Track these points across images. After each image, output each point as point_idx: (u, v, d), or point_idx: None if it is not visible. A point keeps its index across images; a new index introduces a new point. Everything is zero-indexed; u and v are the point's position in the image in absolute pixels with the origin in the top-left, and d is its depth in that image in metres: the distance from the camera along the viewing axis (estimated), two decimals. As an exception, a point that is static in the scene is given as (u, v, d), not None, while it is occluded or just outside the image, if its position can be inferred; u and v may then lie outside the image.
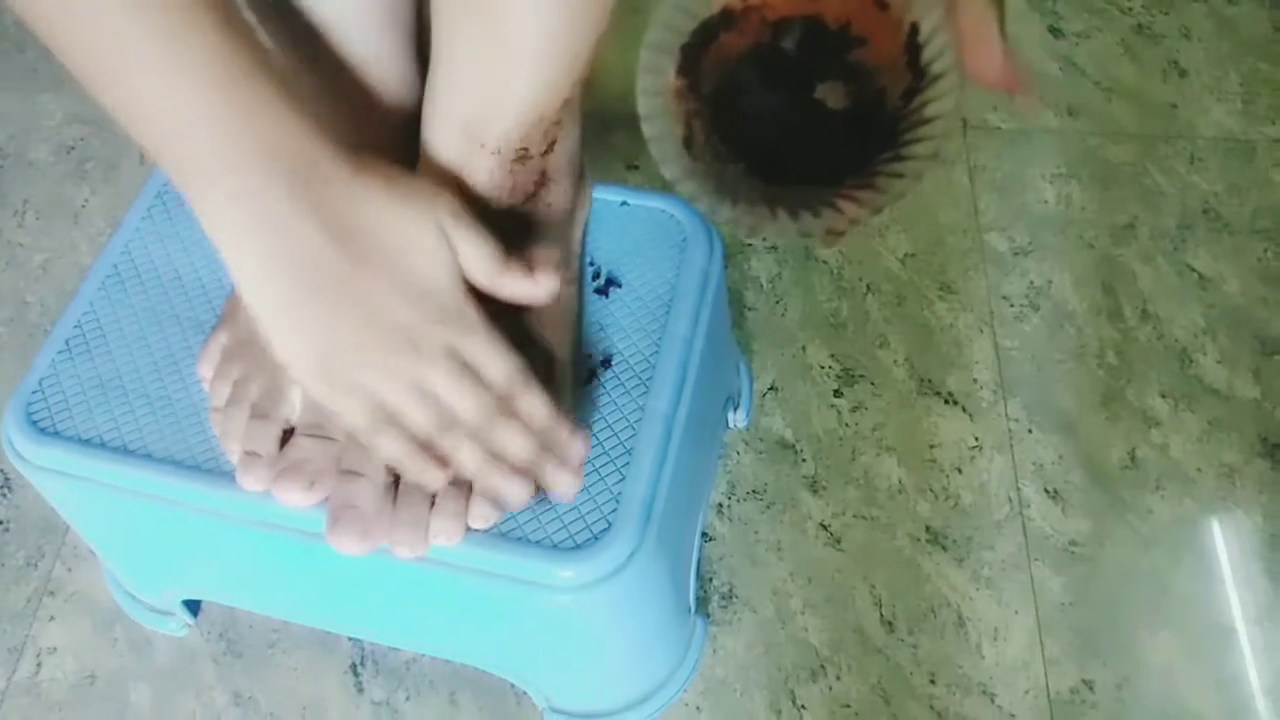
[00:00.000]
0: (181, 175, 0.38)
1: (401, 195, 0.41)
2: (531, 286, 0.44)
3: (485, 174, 0.47)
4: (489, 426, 0.43)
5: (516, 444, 0.43)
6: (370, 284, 0.40)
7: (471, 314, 0.43)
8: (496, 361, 0.43)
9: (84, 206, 0.86)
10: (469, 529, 0.46)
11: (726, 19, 0.37)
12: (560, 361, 0.49)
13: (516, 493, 0.44)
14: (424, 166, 0.48)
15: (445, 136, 0.47)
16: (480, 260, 0.43)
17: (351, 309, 0.40)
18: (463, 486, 0.46)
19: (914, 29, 0.35)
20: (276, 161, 0.37)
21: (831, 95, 0.38)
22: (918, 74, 0.36)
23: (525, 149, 0.46)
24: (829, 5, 0.37)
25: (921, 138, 0.35)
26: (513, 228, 0.48)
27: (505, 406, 0.43)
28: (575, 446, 0.45)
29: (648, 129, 0.37)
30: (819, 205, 0.36)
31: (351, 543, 0.45)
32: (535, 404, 0.44)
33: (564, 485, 0.45)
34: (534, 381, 0.44)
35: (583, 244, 0.55)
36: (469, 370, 0.43)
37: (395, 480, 0.46)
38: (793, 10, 0.37)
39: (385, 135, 0.50)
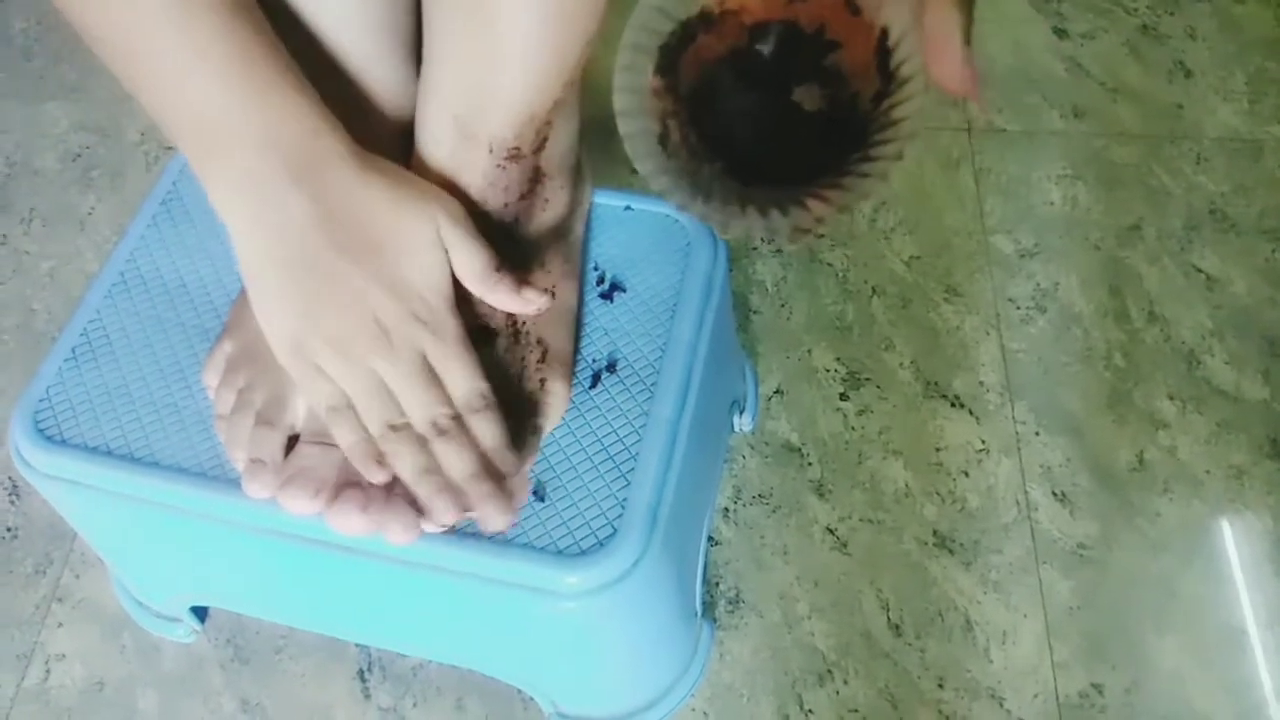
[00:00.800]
0: (195, 153, 0.40)
1: (403, 194, 0.42)
2: (520, 303, 0.45)
3: (478, 172, 0.47)
4: (435, 438, 0.44)
5: (456, 461, 0.44)
6: (355, 272, 0.41)
7: (450, 323, 0.44)
8: (462, 375, 0.44)
9: (90, 214, 0.87)
10: (427, 531, 0.45)
11: (705, 21, 0.38)
12: (555, 352, 0.49)
13: (440, 509, 0.44)
14: (418, 164, 0.48)
15: (439, 134, 0.47)
16: (473, 268, 0.44)
17: (332, 294, 0.41)
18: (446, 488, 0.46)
19: (884, 34, 0.36)
20: (281, 144, 0.40)
21: (807, 98, 0.39)
22: (886, 78, 0.36)
23: (517, 147, 0.46)
24: (805, 10, 0.37)
25: (888, 139, 0.36)
26: (510, 224, 0.48)
27: (458, 424, 0.44)
28: (516, 482, 0.45)
29: (624, 125, 0.38)
30: (788, 204, 0.37)
31: (352, 521, 0.44)
32: (488, 429, 0.44)
33: (491, 515, 0.44)
34: (494, 408, 0.45)
35: (584, 240, 0.55)
36: (433, 378, 0.43)
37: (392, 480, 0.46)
38: (769, 14, 0.38)
39: (381, 136, 0.50)
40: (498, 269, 0.44)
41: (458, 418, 0.44)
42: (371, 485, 0.45)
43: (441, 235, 0.43)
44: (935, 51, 0.35)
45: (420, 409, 0.43)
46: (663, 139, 0.38)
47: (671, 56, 0.38)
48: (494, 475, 0.45)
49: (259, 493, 0.46)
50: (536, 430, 0.48)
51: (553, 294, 0.50)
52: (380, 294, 0.42)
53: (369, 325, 0.42)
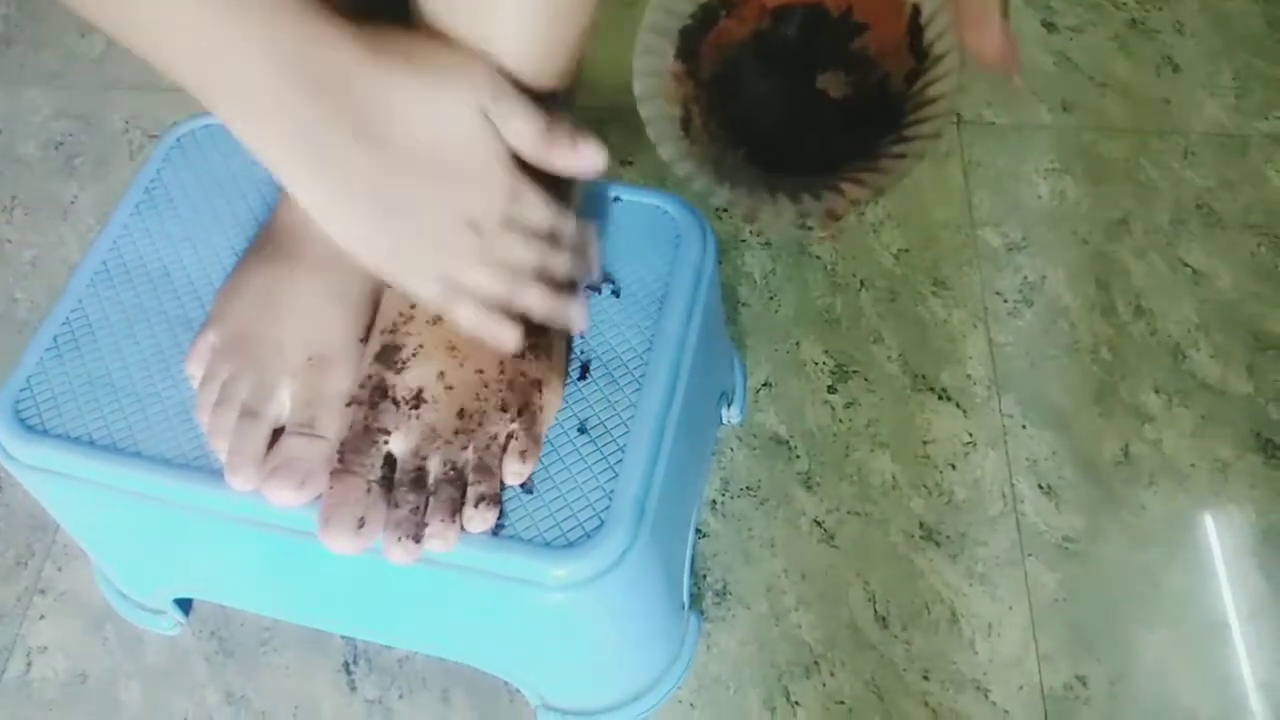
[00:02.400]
0: (214, 98, 0.38)
1: (432, 82, 0.41)
2: (577, 158, 0.43)
3: None
4: (550, 263, 0.45)
5: (566, 268, 0.45)
6: (416, 181, 0.41)
7: (520, 184, 0.43)
8: (547, 216, 0.44)
9: (73, 202, 0.86)
10: (464, 532, 0.46)
11: (726, 4, 0.37)
12: (548, 349, 0.49)
13: (579, 313, 0.46)
14: None
15: None
16: (526, 134, 0.42)
17: (403, 208, 0.41)
18: (457, 489, 0.46)
19: (916, 11, 0.35)
20: (299, 72, 0.38)
21: (833, 85, 0.38)
22: (920, 56, 0.36)
23: None
24: None
25: (925, 118, 0.35)
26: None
27: (553, 243, 0.45)
28: (588, 244, 0.47)
29: (644, 110, 0.37)
30: (820, 189, 0.36)
31: (344, 541, 0.44)
32: (570, 227, 0.46)
33: (577, 317, 0.46)
34: (569, 211, 0.46)
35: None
36: (528, 231, 0.44)
37: (388, 480, 0.46)
38: None
39: None
40: (550, 127, 0.43)
41: (552, 239, 0.45)
42: (361, 504, 0.45)
43: (485, 108, 0.41)
44: (972, 25, 0.34)
45: (531, 258, 0.44)
46: (684, 124, 0.37)
47: (692, 40, 0.37)
48: (583, 254, 0.47)
49: (242, 485, 0.46)
50: (534, 428, 0.48)
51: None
52: (448, 191, 0.41)
53: (451, 221, 0.42)
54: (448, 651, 0.61)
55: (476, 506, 0.45)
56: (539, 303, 0.45)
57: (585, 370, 0.51)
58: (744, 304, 0.78)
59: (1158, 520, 0.69)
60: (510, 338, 0.45)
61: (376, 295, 0.50)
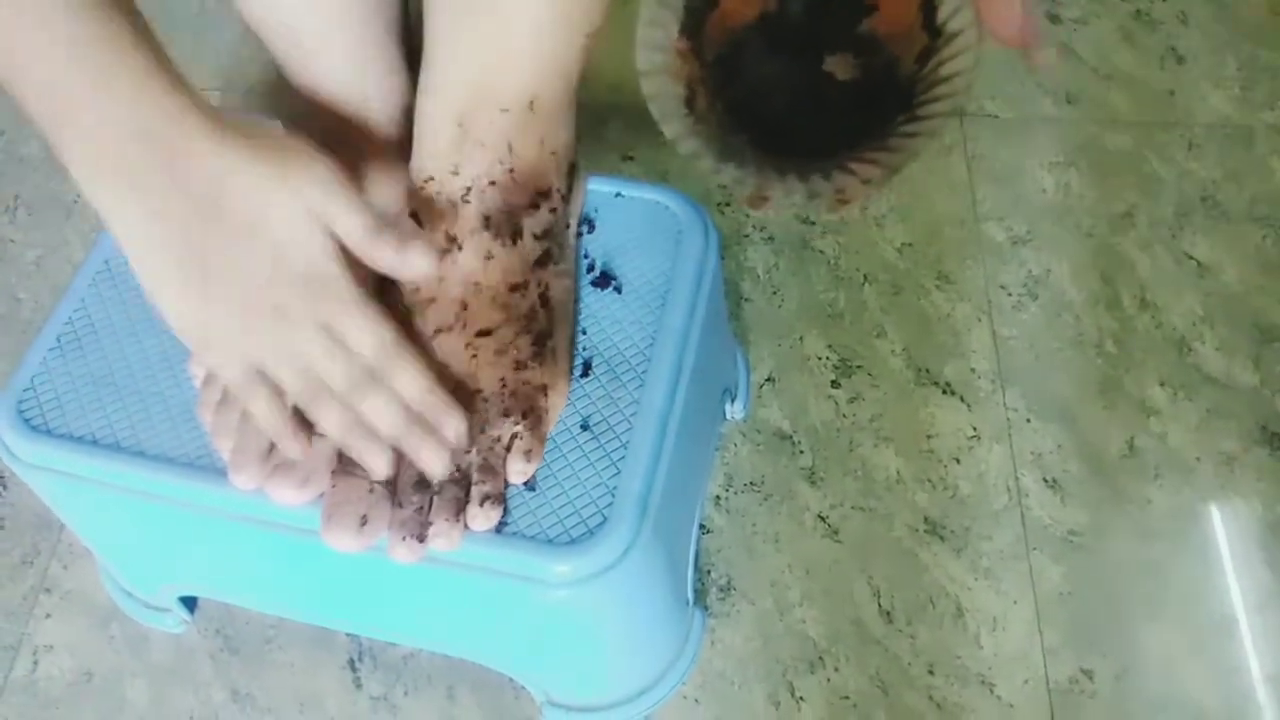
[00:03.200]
0: (57, 138, 0.38)
1: (270, 169, 0.41)
2: (402, 261, 0.43)
3: (480, 170, 0.47)
4: (358, 395, 0.43)
5: (383, 413, 0.43)
6: (239, 256, 0.41)
7: (342, 282, 0.43)
8: (367, 331, 0.43)
9: (76, 202, 0.86)
10: (468, 531, 0.46)
11: None
12: (553, 349, 0.49)
13: (376, 460, 0.44)
14: (417, 166, 0.48)
15: (439, 134, 0.47)
16: (352, 229, 0.42)
17: (223, 280, 0.41)
18: (460, 488, 0.46)
19: None
20: (142, 138, 0.38)
21: (840, 67, 0.38)
22: (933, 34, 0.35)
23: (511, 145, 0.46)
24: None
25: (939, 96, 0.35)
26: (508, 223, 0.48)
27: (377, 376, 0.43)
28: (448, 421, 0.45)
29: (647, 86, 0.37)
30: (831, 169, 0.36)
31: (347, 539, 0.45)
32: (407, 376, 0.44)
33: (429, 457, 0.44)
34: (407, 353, 0.44)
35: (578, 236, 0.54)
36: (338, 342, 0.43)
37: (390, 480, 0.46)
38: None
39: (377, 146, 0.50)
40: (377, 228, 0.43)
41: (375, 371, 0.43)
42: (364, 502, 0.45)
43: (315, 202, 0.42)
44: (990, 2, 0.34)
45: (336, 371, 0.43)
46: (688, 102, 0.37)
47: (697, 17, 0.36)
48: (423, 421, 0.44)
49: (245, 484, 0.46)
50: (539, 429, 0.48)
51: (545, 296, 0.49)
52: (268, 273, 0.41)
53: (266, 304, 0.41)
54: (452, 649, 0.61)
55: (481, 505, 0.46)
56: (334, 425, 0.43)
57: (588, 367, 0.51)
58: (747, 299, 0.78)
59: (1163, 514, 0.69)
60: (294, 450, 0.44)
61: (381, 286, 0.50)
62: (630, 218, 0.56)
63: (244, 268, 0.41)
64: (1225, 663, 0.63)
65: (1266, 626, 0.64)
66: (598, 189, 0.57)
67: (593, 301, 0.53)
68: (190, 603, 0.66)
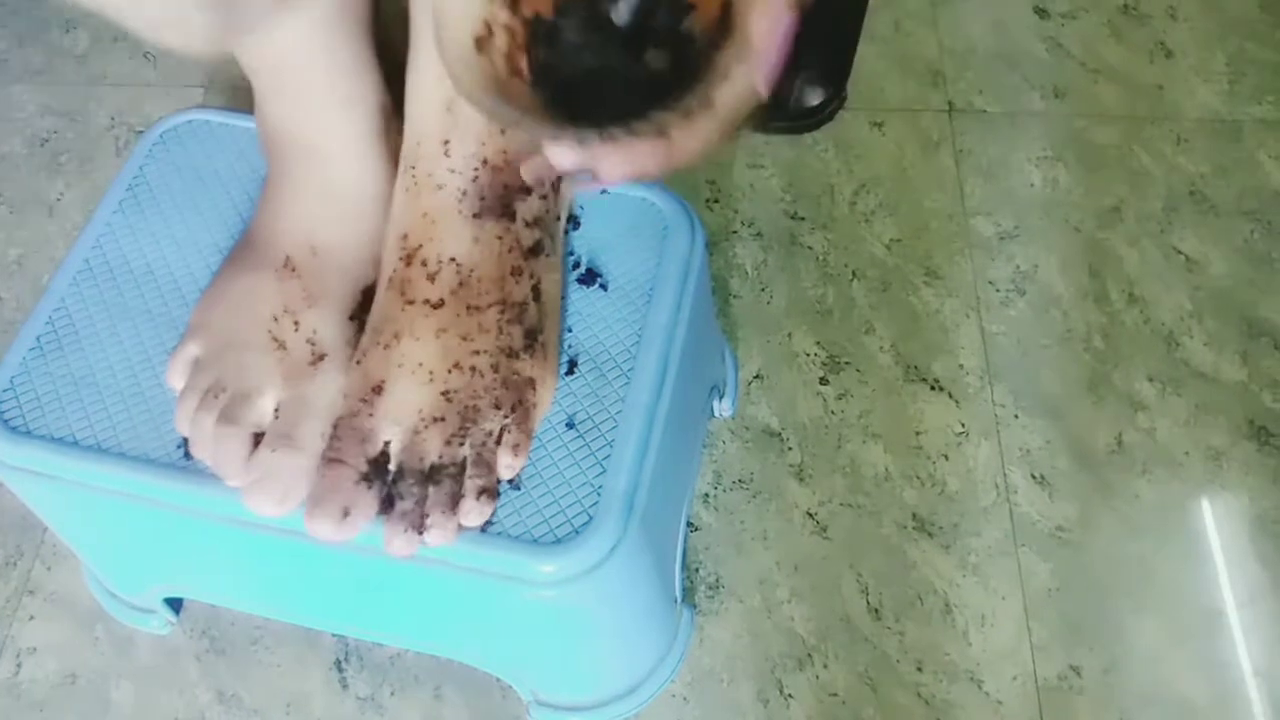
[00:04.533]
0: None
1: None
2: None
3: (473, 145, 0.46)
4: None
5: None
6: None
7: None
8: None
9: (59, 200, 0.85)
10: (461, 527, 0.45)
11: None
12: (542, 344, 0.49)
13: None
14: (408, 154, 0.48)
15: (429, 120, 0.47)
16: None
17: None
18: (455, 483, 0.46)
19: None
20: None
21: (656, 60, 0.38)
22: (725, 29, 0.36)
23: (503, 130, 0.46)
24: None
25: (702, 83, 0.35)
26: (501, 213, 0.48)
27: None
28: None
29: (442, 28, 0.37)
30: (609, 125, 0.35)
31: (328, 529, 0.44)
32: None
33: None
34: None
35: (566, 232, 0.54)
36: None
37: (378, 475, 0.46)
38: None
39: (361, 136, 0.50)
40: None
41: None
42: (349, 493, 0.45)
43: None
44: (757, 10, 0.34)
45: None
46: (479, 44, 0.37)
47: None
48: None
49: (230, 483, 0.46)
50: (527, 424, 0.48)
51: (537, 289, 0.49)
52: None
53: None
54: (439, 649, 0.61)
55: (476, 499, 0.46)
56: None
57: (573, 365, 0.51)
58: (735, 296, 0.78)
59: (1151, 509, 0.69)
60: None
61: (365, 296, 0.50)
62: (616, 214, 0.56)
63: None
64: (1213, 657, 0.63)
65: (1254, 620, 0.64)
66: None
67: (578, 299, 0.53)
68: (176, 604, 0.65)
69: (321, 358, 0.48)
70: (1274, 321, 0.76)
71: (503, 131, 0.47)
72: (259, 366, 0.47)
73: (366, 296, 0.50)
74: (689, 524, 0.67)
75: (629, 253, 0.54)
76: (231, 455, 0.45)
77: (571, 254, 0.54)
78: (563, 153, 0.35)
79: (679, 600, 0.62)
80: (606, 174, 0.35)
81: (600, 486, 0.47)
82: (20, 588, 0.67)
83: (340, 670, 0.64)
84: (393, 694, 0.63)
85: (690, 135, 0.34)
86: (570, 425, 0.49)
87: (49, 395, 0.50)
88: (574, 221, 0.55)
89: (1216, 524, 0.68)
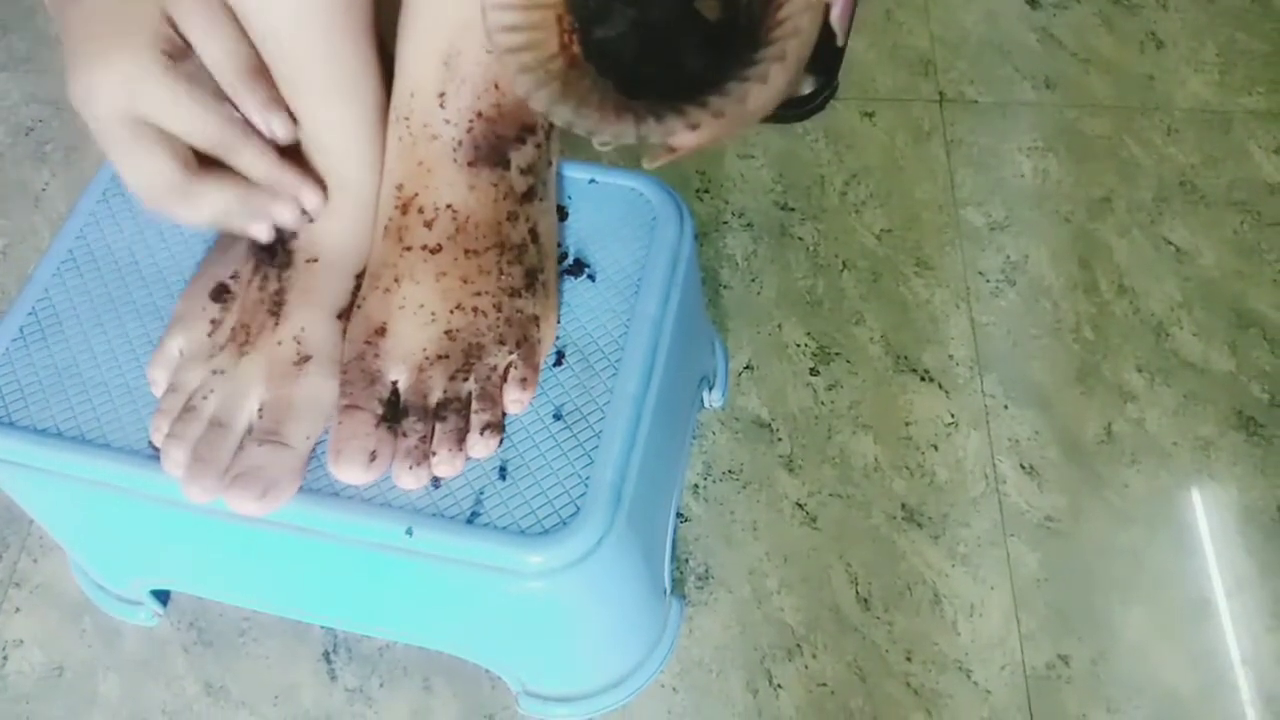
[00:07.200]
0: None
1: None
2: (261, 120, 0.45)
3: (469, 97, 0.47)
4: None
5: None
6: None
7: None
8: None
9: (44, 190, 0.84)
10: (469, 459, 0.47)
11: None
12: (543, 282, 0.50)
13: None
14: (400, 109, 0.48)
15: (424, 76, 0.46)
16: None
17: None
18: (461, 418, 0.47)
19: None
20: None
21: (708, 6, 0.38)
22: None
23: (497, 84, 0.46)
24: None
25: (773, 40, 0.34)
26: (499, 158, 0.48)
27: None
28: (301, 188, 0.47)
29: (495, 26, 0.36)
30: (665, 111, 0.35)
31: (357, 472, 0.46)
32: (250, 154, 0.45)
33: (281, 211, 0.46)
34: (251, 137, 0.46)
35: (559, 177, 0.54)
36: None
37: (394, 415, 0.47)
38: None
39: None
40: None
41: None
42: (370, 437, 0.46)
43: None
44: None
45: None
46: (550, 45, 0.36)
47: None
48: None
49: (199, 496, 0.45)
50: (533, 359, 0.49)
51: (534, 231, 0.49)
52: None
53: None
54: (427, 640, 0.61)
55: (482, 434, 0.47)
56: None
57: (561, 356, 0.51)
58: (725, 286, 0.78)
59: (1140, 499, 0.69)
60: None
61: (353, 293, 0.50)
62: (604, 204, 0.55)
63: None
64: (1201, 646, 0.64)
65: (1242, 610, 0.65)
66: (571, 175, 0.56)
67: (566, 290, 0.53)
68: (163, 595, 0.65)
69: (307, 359, 0.47)
70: (1263, 312, 0.76)
71: (498, 87, 0.47)
72: (243, 366, 0.47)
73: (355, 293, 0.50)
74: (678, 515, 0.67)
75: (617, 243, 0.54)
76: (215, 455, 0.45)
77: (560, 245, 0.54)
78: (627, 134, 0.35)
79: (668, 591, 0.62)
80: (680, 143, 0.35)
81: (588, 478, 0.47)
82: (6, 580, 0.67)
83: (329, 662, 0.64)
84: (381, 685, 0.63)
85: (762, 94, 0.34)
86: (558, 416, 0.49)
87: (32, 386, 0.50)
88: (562, 211, 0.55)
89: (1205, 514, 0.68)
